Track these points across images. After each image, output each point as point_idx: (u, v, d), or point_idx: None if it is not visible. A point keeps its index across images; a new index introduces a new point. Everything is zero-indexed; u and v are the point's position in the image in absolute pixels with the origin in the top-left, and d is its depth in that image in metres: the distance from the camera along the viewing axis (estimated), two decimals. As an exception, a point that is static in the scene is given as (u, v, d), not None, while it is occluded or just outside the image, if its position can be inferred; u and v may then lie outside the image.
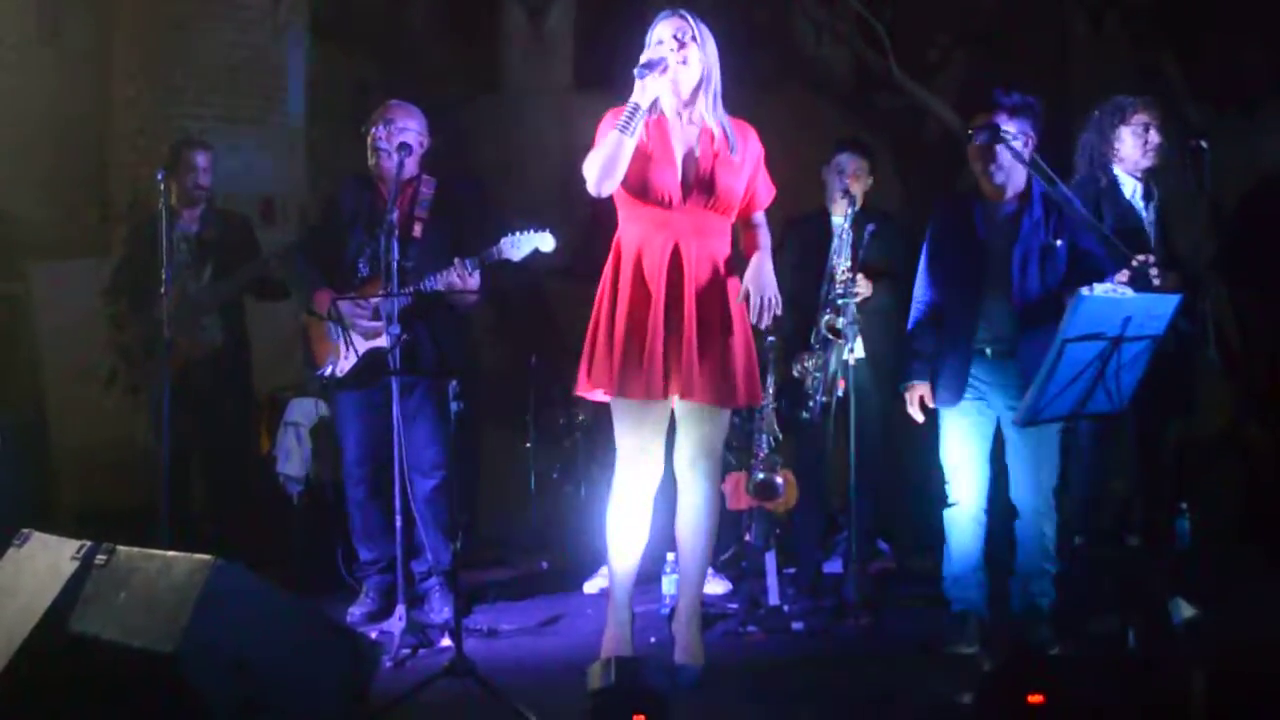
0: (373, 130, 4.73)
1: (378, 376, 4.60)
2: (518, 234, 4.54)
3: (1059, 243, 4.18)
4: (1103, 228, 4.16)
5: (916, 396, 4.39)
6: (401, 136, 4.64)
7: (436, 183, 4.77)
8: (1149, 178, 4.57)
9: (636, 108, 3.66)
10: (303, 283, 4.78)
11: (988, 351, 4.24)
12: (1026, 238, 4.20)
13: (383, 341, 4.54)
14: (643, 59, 3.71)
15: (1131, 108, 4.56)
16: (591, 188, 3.70)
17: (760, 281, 3.78)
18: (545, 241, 4.56)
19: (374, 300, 4.55)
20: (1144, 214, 4.55)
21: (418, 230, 4.68)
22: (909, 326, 4.49)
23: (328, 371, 4.71)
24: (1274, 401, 5.04)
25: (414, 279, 4.52)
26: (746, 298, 3.76)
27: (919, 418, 4.41)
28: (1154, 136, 4.54)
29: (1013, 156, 4.11)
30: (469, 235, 4.70)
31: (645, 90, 3.67)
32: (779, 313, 3.79)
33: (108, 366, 5.33)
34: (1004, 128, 4.13)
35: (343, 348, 4.65)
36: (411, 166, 4.65)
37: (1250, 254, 4.81)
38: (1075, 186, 4.50)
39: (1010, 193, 4.26)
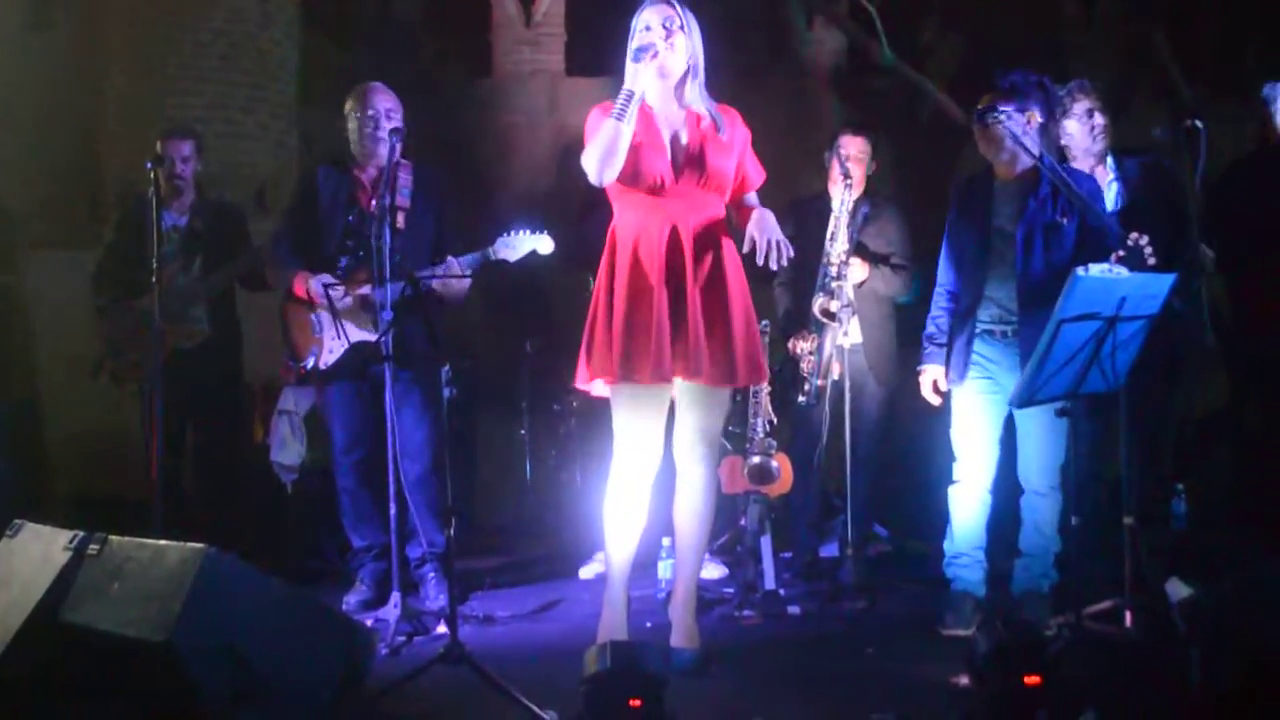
0: (363, 115, 4.64)
1: (364, 369, 4.58)
2: (514, 234, 4.53)
3: (1065, 221, 4.16)
4: (1098, 208, 4.15)
5: (930, 380, 4.39)
6: (392, 121, 4.60)
7: (412, 167, 4.73)
8: (1101, 160, 4.52)
9: (631, 94, 3.66)
10: (283, 269, 4.71)
11: (997, 332, 4.24)
12: (1031, 216, 4.19)
13: (371, 335, 4.51)
14: (634, 46, 3.71)
15: (1069, 96, 4.52)
16: (593, 178, 3.70)
17: (764, 225, 3.74)
18: (543, 244, 4.55)
19: (361, 291, 4.52)
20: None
21: (401, 221, 4.62)
22: (931, 310, 4.48)
23: (309, 364, 4.68)
24: (1269, 382, 5.03)
25: (401, 270, 4.49)
26: (753, 248, 3.70)
27: (934, 400, 4.41)
28: (1099, 119, 4.51)
29: (1010, 136, 4.10)
30: (449, 223, 4.69)
31: (639, 76, 3.68)
32: (791, 254, 3.75)
33: (94, 356, 5.31)
34: (1000, 108, 4.13)
35: (325, 340, 4.63)
36: (397, 151, 4.63)
37: (1244, 234, 4.80)
38: None
39: (1019, 170, 4.26)
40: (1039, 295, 4.12)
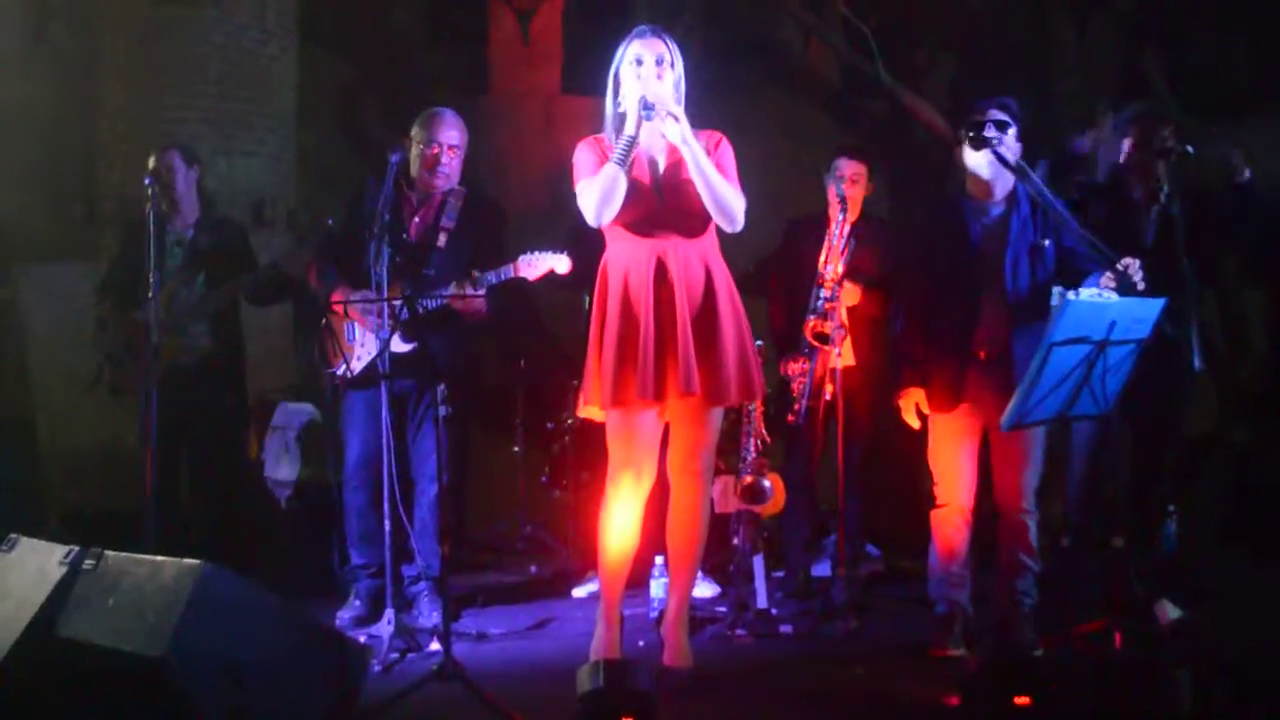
0: (425, 144, 4.68)
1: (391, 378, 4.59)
2: (534, 254, 4.55)
3: (1047, 242, 4.21)
4: (1087, 231, 4.18)
5: (912, 404, 4.39)
6: (455, 154, 4.69)
7: (465, 193, 4.78)
8: (1152, 183, 4.55)
9: (632, 140, 3.70)
10: (330, 287, 4.74)
11: (981, 355, 4.26)
12: (1016, 239, 4.23)
13: (400, 347, 4.53)
14: (641, 98, 3.68)
15: (1129, 120, 4.58)
16: (591, 220, 3.76)
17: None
18: (560, 263, 4.55)
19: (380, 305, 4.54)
20: (1151, 217, 4.54)
21: (442, 240, 4.65)
22: (899, 332, 4.49)
23: (340, 370, 4.68)
24: (1259, 404, 5.07)
25: (434, 288, 4.50)
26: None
27: (915, 424, 4.41)
28: (1154, 145, 4.49)
29: (1000, 161, 4.13)
30: (487, 249, 4.70)
31: (642, 126, 3.70)
32: (675, 112, 3.70)
33: (93, 367, 5.31)
34: (1002, 123, 4.16)
35: (356, 348, 4.64)
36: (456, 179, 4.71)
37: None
38: (1079, 188, 4.57)
39: (1000, 193, 4.28)
40: (1028, 314, 4.17)
